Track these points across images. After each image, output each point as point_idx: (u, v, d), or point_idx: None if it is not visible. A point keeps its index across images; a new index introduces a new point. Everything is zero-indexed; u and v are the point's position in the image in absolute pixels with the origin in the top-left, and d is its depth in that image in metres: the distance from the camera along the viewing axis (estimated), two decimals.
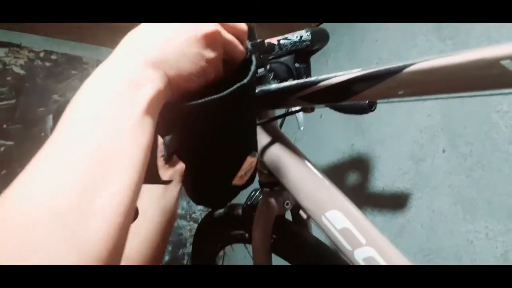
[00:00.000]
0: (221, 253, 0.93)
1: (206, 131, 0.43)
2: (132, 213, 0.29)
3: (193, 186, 0.50)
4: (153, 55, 0.36)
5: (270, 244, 0.66)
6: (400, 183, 1.11)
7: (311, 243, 0.62)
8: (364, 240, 0.49)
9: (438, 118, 1.05)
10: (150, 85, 0.34)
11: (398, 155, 1.13)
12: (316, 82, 0.46)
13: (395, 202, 1.12)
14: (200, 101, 0.39)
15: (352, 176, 1.29)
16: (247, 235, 0.75)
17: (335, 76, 0.44)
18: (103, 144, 0.29)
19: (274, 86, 0.54)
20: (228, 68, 0.42)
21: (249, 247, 0.75)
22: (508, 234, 0.83)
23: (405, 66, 0.36)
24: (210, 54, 0.40)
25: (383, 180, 1.17)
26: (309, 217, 0.55)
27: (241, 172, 0.47)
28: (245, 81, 0.41)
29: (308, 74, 0.75)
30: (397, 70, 0.36)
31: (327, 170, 1.37)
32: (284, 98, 0.52)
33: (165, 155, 0.44)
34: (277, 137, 0.60)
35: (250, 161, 0.47)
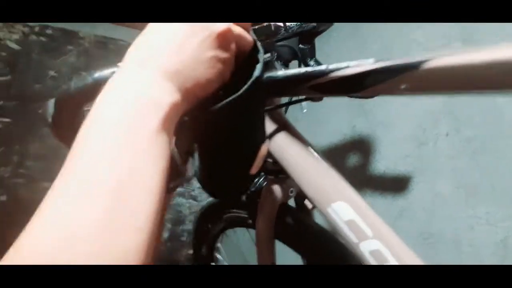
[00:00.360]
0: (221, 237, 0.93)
1: (224, 130, 0.43)
2: (155, 243, 0.28)
3: (211, 182, 0.49)
4: (167, 66, 0.34)
5: (274, 230, 0.66)
6: (402, 166, 1.11)
7: (315, 230, 0.62)
8: (371, 233, 0.48)
9: (442, 101, 1.03)
10: (167, 99, 0.32)
11: (401, 137, 1.12)
12: (327, 72, 0.45)
13: (396, 185, 1.12)
14: (219, 105, 0.38)
15: (353, 158, 1.28)
16: (250, 220, 0.74)
17: (347, 67, 0.42)
18: (122, 176, 0.27)
19: (281, 73, 0.52)
20: (238, 61, 0.41)
21: (252, 231, 0.75)
22: (509, 220, 0.83)
23: (422, 61, 0.34)
24: (225, 54, 0.38)
25: (384, 162, 1.16)
26: (314, 206, 0.55)
27: (257, 162, 0.47)
28: (257, 73, 0.40)
29: (313, 55, 0.73)
30: (415, 66, 0.35)
31: (328, 151, 1.37)
32: (292, 86, 0.51)
33: (178, 158, 0.43)
34: (283, 125, 0.59)
35: (264, 150, 0.47)
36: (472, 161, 0.93)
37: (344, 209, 0.51)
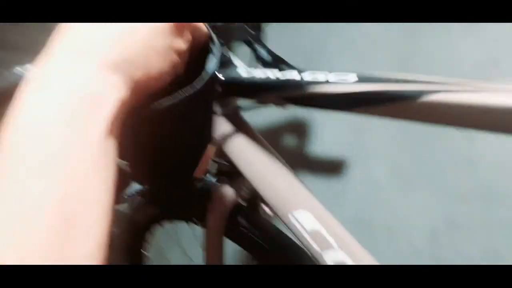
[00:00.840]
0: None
1: (170, 130, 0.38)
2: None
3: (152, 185, 0.45)
4: (112, 54, 0.28)
5: (225, 230, 0.64)
6: (338, 151, 1.14)
7: (271, 232, 0.61)
8: (335, 243, 0.48)
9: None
10: (112, 95, 0.27)
11: (338, 123, 1.15)
12: (303, 84, 0.42)
13: (331, 169, 1.15)
14: (172, 101, 0.34)
15: (290, 140, 1.29)
16: (194, 218, 0.71)
17: (327, 83, 0.40)
18: (66, 195, 0.23)
19: (246, 76, 0.48)
20: (191, 54, 0.37)
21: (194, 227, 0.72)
22: (442, 207, 0.90)
23: (419, 94, 0.33)
24: (181, 44, 0.34)
25: (321, 147, 1.19)
26: (273, 213, 0.53)
27: (202, 164, 0.44)
28: (213, 67, 0.37)
29: (259, 40, 0.69)
30: (410, 97, 0.33)
31: (265, 132, 1.36)
32: (258, 92, 0.48)
33: (125, 165, 0.38)
34: (241, 126, 0.56)
35: (210, 151, 0.45)
36: (407, 150, 0.98)
37: (306, 218, 0.50)
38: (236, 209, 0.63)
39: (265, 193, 0.53)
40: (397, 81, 0.36)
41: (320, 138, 1.21)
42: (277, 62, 0.52)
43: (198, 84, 0.35)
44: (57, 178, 0.23)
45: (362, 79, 0.38)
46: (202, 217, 0.66)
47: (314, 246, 0.49)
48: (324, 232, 0.49)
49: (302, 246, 0.51)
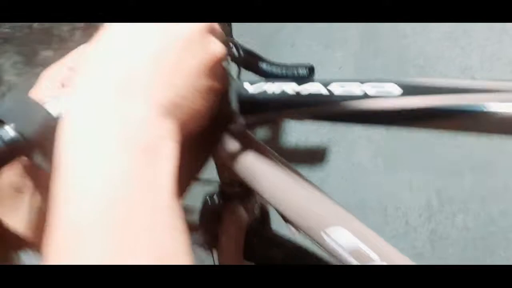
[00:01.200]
0: None
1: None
2: None
3: None
4: (164, 96, 0.25)
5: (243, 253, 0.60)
6: (315, 137, 1.12)
7: (293, 250, 0.58)
8: (377, 256, 0.46)
9: (351, 70, 1.05)
10: (170, 145, 0.24)
11: None
12: (334, 100, 0.38)
13: (311, 157, 1.13)
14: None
15: (260, 131, 1.25)
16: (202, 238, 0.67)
17: (366, 97, 0.37)
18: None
19: (258, 91, 0.44)
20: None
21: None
22: (432, 184, 0.91)
23: (480, 107, 0.30)
24: (218, 85, 0.32)
25: (295, 135, 1.16)
26: (302, 232, 0.50)
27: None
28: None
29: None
30: (470, 111, 0.31)
31: None
32: (278, 110, 0.43)
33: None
34: (252, 144, 0.52)
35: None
36: (388, 131, 0.98)
37: (341, 234, 0.47)
38: (252, 229, 0.59)
39: (290, 213, 0.50)
40: (449, 91, 0.33)
41: (293, 126, 1.18)
42: (287, 71, 0.47)
43: (235, 127, 0.36)
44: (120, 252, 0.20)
45: (407, 91, 0.35)
46: (212, 240, 0.62)
47: (355, 263, 0.47)
48: (363, 246, 0.46)
49: (337, 263, 0.49)
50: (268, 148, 0.53)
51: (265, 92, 0.45)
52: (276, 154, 0.53)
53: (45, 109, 0.31)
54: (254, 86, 0.46)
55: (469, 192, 0.88)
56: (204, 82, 0.29)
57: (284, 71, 0.47)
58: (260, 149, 0.52)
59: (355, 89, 0.38)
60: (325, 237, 0.48)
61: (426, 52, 0.92)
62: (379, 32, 1.00)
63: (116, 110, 0.23)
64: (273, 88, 0.44)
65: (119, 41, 0.26)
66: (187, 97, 0.27)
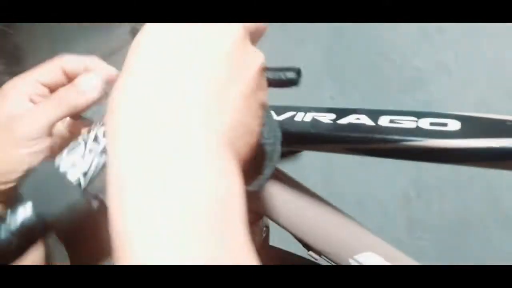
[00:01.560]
0: None
1: None
2: None
3: None
4: (227, 129, 0.21)
5: None
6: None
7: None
8: None
9: (326, 65, 1.03)
10: (237, 186, 0.20)
11: (280, 101, 1.10)
12: (383, 138, 0.36)
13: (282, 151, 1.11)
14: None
15: None
16: None
17: (422, 139, 0.34)
18: None
19: (293, 125, 0.41)
20: None
21: None
22: (407, 174, 0.93)
23: None
24: (264, 96, 0.27)
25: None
26: (329, 260, 0.48)
27: None
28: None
29: None
30: None
31: None
32: (314, 144, 0.40)
33: None
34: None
35: None
36: None
37: (371, 260, 0.46)
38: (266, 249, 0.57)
39: (315, 241, 0.48)
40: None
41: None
42: (274, 75, 0.41)
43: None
44: None
45: (467, 129, 0.33)
46: None
47: None
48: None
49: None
50: (285, 172, 0.50)
51: (292, 120, 0.41)
52: (293, 178, 0.50)
53: (78, 188, 0.25)
54: (278, 111, 0.42)
55: (445, 181, 0.91)
56: (254, 101, 0.24)
57: (269, 76, 0.39)
58: (278, 176, 0.48)
59: (408, 123, 0.35)
60: (351, 261, 0.46)
61: (400, 47, 0.92)
62: (348, 27, 0.98)
63: (195, 144, 0.20)
64: (302, 115, 0.41)
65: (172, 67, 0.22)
66: (245, 129, 0.23)
